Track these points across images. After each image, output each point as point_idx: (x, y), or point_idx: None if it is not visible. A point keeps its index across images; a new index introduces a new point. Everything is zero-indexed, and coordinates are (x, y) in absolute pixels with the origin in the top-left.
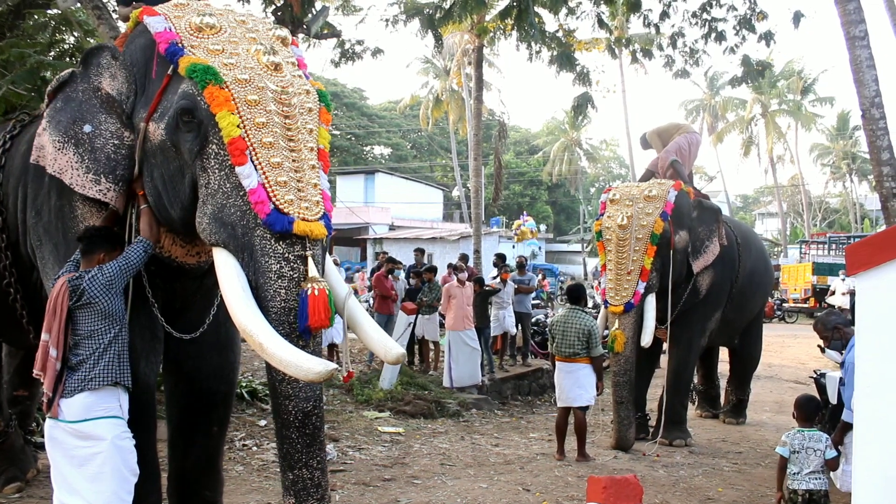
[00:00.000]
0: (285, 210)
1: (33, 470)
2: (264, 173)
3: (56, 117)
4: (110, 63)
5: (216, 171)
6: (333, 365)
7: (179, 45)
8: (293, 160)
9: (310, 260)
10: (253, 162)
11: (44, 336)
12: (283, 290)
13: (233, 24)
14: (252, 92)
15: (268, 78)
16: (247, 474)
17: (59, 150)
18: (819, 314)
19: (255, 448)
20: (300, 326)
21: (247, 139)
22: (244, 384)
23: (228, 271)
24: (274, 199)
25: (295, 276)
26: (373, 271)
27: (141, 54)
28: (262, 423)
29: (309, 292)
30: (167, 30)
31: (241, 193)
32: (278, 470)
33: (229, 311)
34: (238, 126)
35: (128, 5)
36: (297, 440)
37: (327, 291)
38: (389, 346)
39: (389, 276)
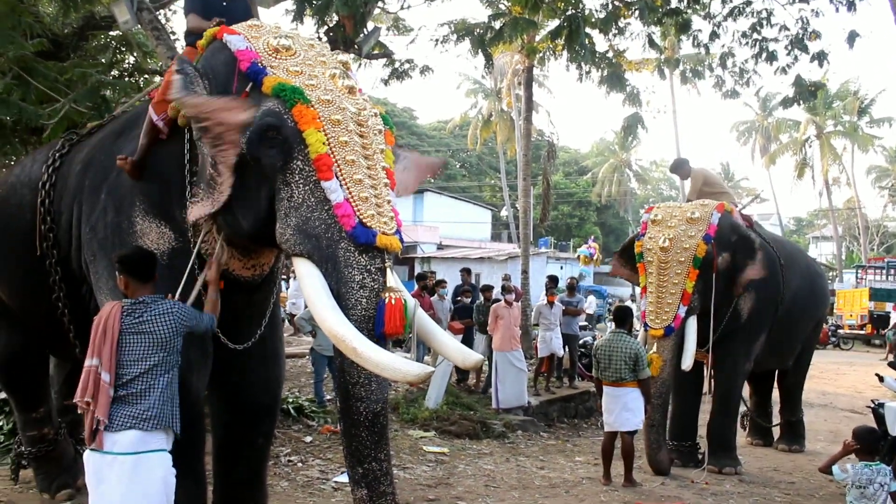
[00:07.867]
0: (368, 224)
1: (84, 478)
2: (348, 189)
3: None
4: (196, 76)
5: (300, 185)
6: (431, 368)
7: (260, 64)
8: (371, 177)
9: (388, 271)
10: (338, 178)
11: (91, 361)
12: (365, 300)
13: (304, 48)
14: (335, 112)
15: (346, 100)
16: (291, 490)
17: None
18: None
19: (300, 464)
20: (376, 332)
21: (332, 156)
22: (290, 400)
23: (314, 281)
24: (358, 213)
25: (376, 286)
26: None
27: (223, 69)
28: (308, 439)
29: (386, 301)
30: (248, 49)
31: (326, 207)
32: (322, 486)
33: (317, 318)
34: (324, 143)
35: (208, 20)
36: (367, 438)
37: (403, 301)
38: (466, 353)
39: (425, 293)
